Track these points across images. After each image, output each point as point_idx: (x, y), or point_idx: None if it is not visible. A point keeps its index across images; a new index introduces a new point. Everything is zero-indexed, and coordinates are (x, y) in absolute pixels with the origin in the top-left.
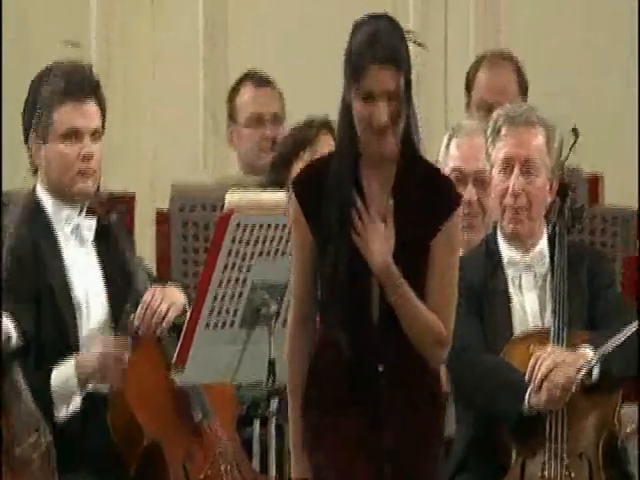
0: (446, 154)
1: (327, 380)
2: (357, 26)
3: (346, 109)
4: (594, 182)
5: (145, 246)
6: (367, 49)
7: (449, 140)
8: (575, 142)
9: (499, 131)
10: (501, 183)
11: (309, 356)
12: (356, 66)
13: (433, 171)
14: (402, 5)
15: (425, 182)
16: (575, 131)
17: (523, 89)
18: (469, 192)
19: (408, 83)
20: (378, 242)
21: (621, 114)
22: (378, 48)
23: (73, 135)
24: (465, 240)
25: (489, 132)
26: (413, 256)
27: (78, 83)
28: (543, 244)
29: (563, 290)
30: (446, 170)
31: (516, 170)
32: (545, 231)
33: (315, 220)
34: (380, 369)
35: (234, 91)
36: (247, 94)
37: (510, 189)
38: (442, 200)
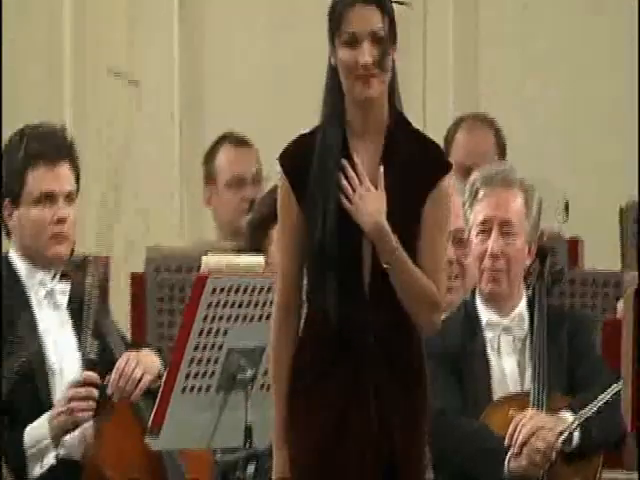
0: None
1: (315, 353)
2: None
3: (331, 74)
4: (574, 245)
5: (120, 309)
6: None
7: None
8: (566, 220)
9: (477, 193)
10: (480, 245)
11: (294, 345)
12: (339, 11)
13: (421, 138)
14: None
15: (413, 150)
16: (567, 207)
17: (502, 152)
18: (448, 251)
19: (393, 37)
20: (371, 204)
21: (600, 176)
22: None
23: (47, 199)
24: (445, 302)
25: (467, 195)
26: (404, 223)
27: (51, 146)
28: (522, 307)
29: (543, 354)
30: None
31: (495, 232)
32: (524, 294)
33: (304, 193)
34: (371, 340)
35: (212, 152)
36: (227, 155)
37: (489, 251)
38: (431, 166)
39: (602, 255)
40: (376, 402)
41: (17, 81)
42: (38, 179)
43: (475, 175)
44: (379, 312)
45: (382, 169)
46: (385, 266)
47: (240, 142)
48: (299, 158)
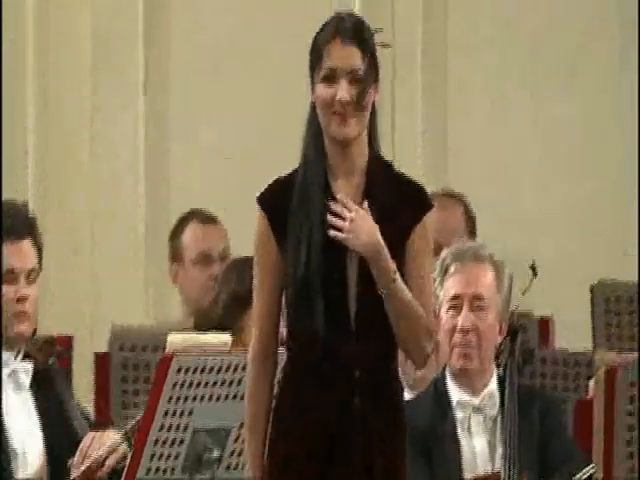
0: None
1: (296, 395)
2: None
3: (311, 111)
4: (545, 324)
5: (84, 389)
6: (331, 29)
7: None
8: (533, 279)
9: (447, 269)
10: (450, 320)
11: (271, 394)
12: (319, 46)
13: (402, 177)
14: None
15: (395, 189)
16: (534, 268)
17: (472, 229)
18: None
19: (375, 75)
20: (365, 224)
21: (571, 253)
22: (342, 27)
23: (8, 276)
24: (418, 378)
25: (437, 273)
26: (394, 247)
27: (13, 222)
28: (493, 386)
29: (514, 434)
30: None
31: (465, 307)
32: (495, 373)
33: (283, 232)
34: (356, 374)
35: (178, 229)
36: (193, 232)
37: (459, 325)
38: (415, 203)
39: (573, 334)
40: (361, 440)
41: None
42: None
43: (445, 252)
44: (365, 344)
45: (366, 203)
46: (382, 291)
47: (207, 219)
48: (278, 197)
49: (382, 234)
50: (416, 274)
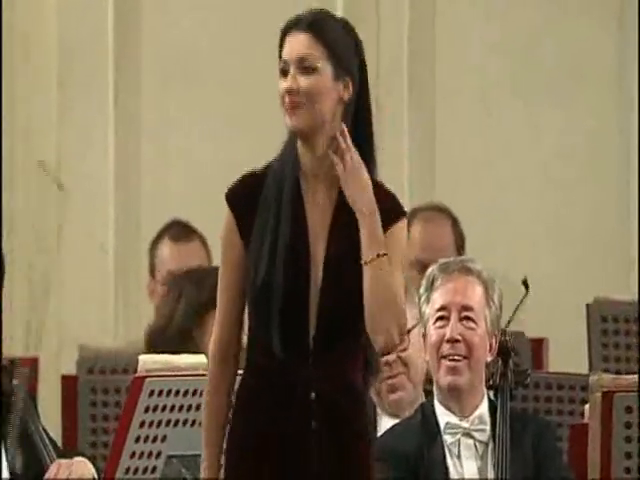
0: None
1: (256, 406)
2: None
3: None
4: (538, 345)
5: (50, 414)
6: (290, 22)
7: None
8: (526, 295)
9: (433, 283)
10: (437, 332)
11: (229, 402)
12: (280, 40)
13: (377, 187)
14: None
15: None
16: (526, 284)
17: (460, 245)
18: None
19: (344, 69)
20: (364, 176)
21: (566, 271)
22: (301, 18)
23: None
24: (392, 401)
25: (422, 290)
26: (360, 266)
27: None
28: (484, 409)
29: (505, 459)
30: None
31: (453, 317)
32: (486, 396)
33: (249, 231)
34: (312, 396)
35: (155, 243)
36: (164, 251)
37: (447, 335)
38: (388, 211)
39: (568, 355)
40: (319, 467)
41: None
42: None
43: (431, 268)
44: (323, 365)
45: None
46: (365, 261)
47: (179, 236)
48: (247, 193)
49: (354, 240)
50: None
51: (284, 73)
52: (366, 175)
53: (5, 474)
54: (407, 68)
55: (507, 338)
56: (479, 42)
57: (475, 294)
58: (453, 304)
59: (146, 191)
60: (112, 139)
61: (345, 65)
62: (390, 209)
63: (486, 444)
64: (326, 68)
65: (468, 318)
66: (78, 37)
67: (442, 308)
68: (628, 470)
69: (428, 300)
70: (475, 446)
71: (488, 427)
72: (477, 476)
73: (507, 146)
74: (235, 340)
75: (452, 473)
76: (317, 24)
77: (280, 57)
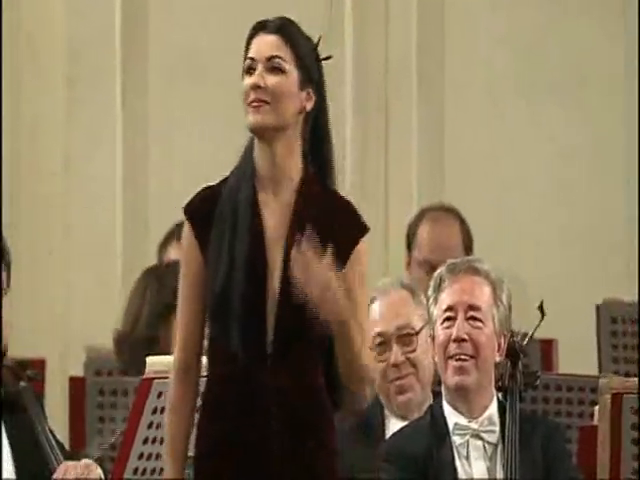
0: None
1: (219, 420)
2: None
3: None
4: (548, 346)
5: (57, 416)
6: (258, 25)
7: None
8: (542, 320)
9: (440, 284)
10: (444, 332)
11: (192, 412)
12: (246, 42)
13: (336, 198)
14: (339, 158)
15: (328, 211)
16: (542, 309)
17: (469, 246)
18: (395, 354)
19: (308, 79)
20: (321, 275)
21: (575, 271)
22: (268, 22)
23: None
24: (401, 402)
25: (430, 291)
26: None
27: None
28: (493, 410)
29: (515, 461)
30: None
31: (460, 316)
32: (495, 397)
33: (208, 242)
34: (272, 402)
35: (163, 246)
36: (173, 252)
37: (454, 334)
38: (349, 229)
39: (577, 356)
40: (280, 473)
41: None
42: None
43: (439, 270)
44: (281, 371)
45: (309, 230)
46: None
47: None
48: (204, 206)
49: None
50: (352, 304)
51: (249, 71)
52: (322, 275)
53: (5, 474)
54: (416, 63)
55: (516, 338)
56: (488, 36)
57: (482, 294)
58: (460, 304)
59: (154, 192)
60: (119, 140)
61: (310, 76)
62: (353, 226)
63: (495, 445)
64: (293, 72)
65: (475, 318)
66: (85, 37)
67: (449, 308)
68: (637, 472)
69: (436, 301)
70: (484, 447)
71: (497, 428)
72: (486, 476)
73: (513, 144)
74: (197, 350)
75: (461, 474)
76: (286, 29)
77: (245, 58)
